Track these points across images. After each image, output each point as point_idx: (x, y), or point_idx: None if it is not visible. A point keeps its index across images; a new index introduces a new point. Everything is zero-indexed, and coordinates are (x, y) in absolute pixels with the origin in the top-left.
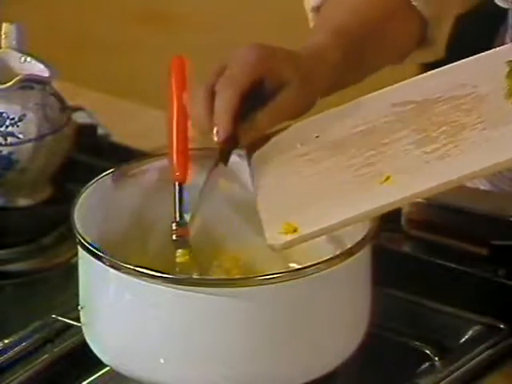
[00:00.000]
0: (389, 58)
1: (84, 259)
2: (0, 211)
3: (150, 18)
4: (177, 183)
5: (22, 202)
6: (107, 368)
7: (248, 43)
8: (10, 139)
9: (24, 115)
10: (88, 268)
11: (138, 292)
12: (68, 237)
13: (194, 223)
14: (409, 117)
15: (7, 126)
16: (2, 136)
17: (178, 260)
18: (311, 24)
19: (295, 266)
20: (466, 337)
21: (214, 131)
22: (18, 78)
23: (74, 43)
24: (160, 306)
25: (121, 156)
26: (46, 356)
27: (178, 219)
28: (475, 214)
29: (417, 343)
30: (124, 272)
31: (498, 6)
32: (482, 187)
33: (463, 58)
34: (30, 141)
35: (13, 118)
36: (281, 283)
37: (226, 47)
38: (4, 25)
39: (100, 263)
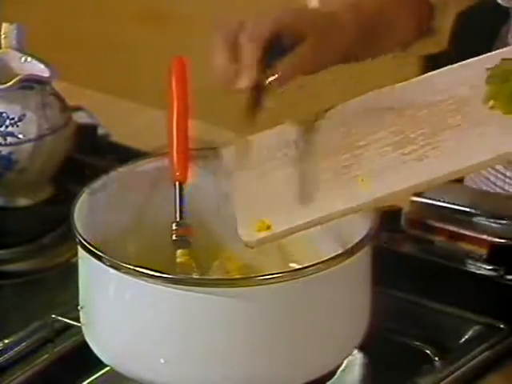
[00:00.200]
0: (396, 42)
1: (84, 259)
2: (0, 211)
3: (149, 17)
4: (177, 183)
5: (22, 201)
6: (107, 368)
7: None
8: (9, 139)
9: (24, 115)
10: (88, 268)
11: (137, 292)
12: (68, 237)
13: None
14: (387, 120)
15: (7, 126)
16: (2, 136)
17: (178, 260)
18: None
19: (295, 265)
20: (466, 337)
21: (241, 78)
22: (18, 78)
23: (74, 43)
24: (160, 306)
25: (121, 156)
26: (46, 356)
27: (178, 219)
28: (475, 214)
29: (417, 343)
30: (124, 272)
31: (499, 5)
32: (483, 187)
33: (463, 58)
34: (29, 141)
35: (13, 118)
36: (281, 283)
37: None
38: (4, 25)
39: (100, 263)
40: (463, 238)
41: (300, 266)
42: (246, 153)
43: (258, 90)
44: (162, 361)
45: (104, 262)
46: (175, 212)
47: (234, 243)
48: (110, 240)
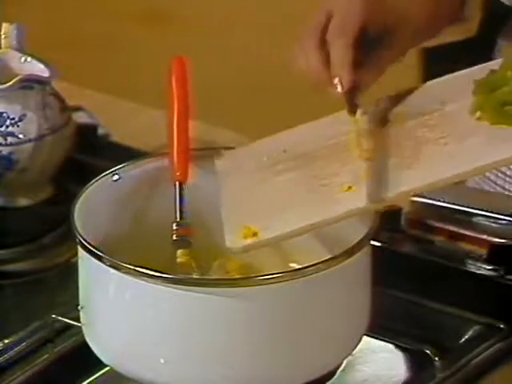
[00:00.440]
0: (437, 29)
1: (84, 259)
2: (0, 211)
3: (149, 17)
4: (177, 183)
5: (22, 201)
6: (107, 368)
7: (248, 44)
8: (10, 139)
9: (24, 115)
10: (88, 268)
11: (137, 292)
12: (68, 237)
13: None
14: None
15: (7, 126)
16: (2, 136)
17: (178, 260)
18: None
19: (295, 265)
20: (466, 337)
21: (336, 81)
22: (18, 78)
23: (74, 43)
24: (160, 306)
25: (121, 156)
26: (46, 356)
27: (178, 219)
28: (475, 214)
29: (417, 343)
30: (124, 272)
31: (502, 4)
32: (484, 186)
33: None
34: (30, 141)
35: (13, 118)
36: (281, 283)
37: (226, 47)
38: (4, 25)
39: (100, 263)
40: (463, 237)
41: (300, 266)
42: (238, 158)
43: (353, 91)
44: (162, 361)
45: (104, 262)
46: (175, 212)
47: None
48: (110, 240)
